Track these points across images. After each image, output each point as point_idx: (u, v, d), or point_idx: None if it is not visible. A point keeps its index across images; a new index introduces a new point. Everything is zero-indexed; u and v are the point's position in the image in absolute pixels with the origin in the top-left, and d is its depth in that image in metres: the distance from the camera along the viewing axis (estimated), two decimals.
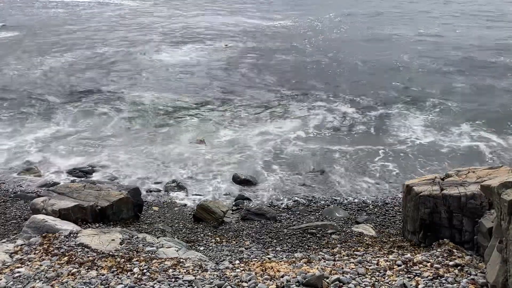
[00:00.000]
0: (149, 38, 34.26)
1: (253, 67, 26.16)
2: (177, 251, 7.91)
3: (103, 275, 6.30)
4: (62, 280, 6.12)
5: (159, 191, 12.92)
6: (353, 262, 6.84)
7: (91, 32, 36.34)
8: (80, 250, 7.43)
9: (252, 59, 28.04)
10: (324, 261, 7.15)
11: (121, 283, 5.99)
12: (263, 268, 6.49)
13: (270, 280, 5.91)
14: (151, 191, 12.84)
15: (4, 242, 8.16)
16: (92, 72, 25.02)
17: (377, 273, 6.22)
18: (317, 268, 6.35)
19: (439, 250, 7.21)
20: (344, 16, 44.45)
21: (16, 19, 43.23)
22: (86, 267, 6.60)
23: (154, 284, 5.99)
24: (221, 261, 7.60)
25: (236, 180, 13.32)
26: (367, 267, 6.49)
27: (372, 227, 10.20)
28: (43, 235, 8.13)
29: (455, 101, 20.14)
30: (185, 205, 12.07)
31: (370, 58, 27.60)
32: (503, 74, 24.18)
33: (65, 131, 17.12)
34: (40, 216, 8.80)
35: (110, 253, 7.42)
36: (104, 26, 39.35)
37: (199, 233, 10.09)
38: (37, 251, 7.38)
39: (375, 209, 11.54)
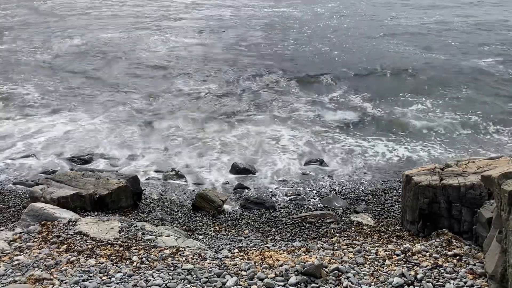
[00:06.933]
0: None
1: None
2: (176, 239, 7.91)
3: (102, 263, 6.30)
4: (61, 268, 6.13)
5: (158, 179, 12.90)
6: (352, 252, 6.84)
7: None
8: (78, 238, 7.42)
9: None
10: (323, 251, 7.15)
11: (120, 271, 5.99)
12: (262, 257, 6.49)
13: (269, 269, 5.92)
14: (150, 179, 12.82)
15: (3, 230, 8.15)
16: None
17: (376, 262, 6.23)
18: (316, 257, 6.35)
19: (438, 240, 7.22)
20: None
21: None
22: (85, 255, 6.60)
23: (153, 272, 5.99)
24: (220, 250, 7.60)
25: (235, 169, 13.29)
26: (366, 256, 6.50)
27: (371, 217, 10.21)
28: (42, 223, 8.11)
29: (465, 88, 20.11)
30: (184, 193, 12.06)
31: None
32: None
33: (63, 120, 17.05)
34: (39, 204, 8.78)
35: (109, 241, 7.42)
36: None
37: (198, 221, 10.09)
38: (36, 239, 7.38)
39: (374, 199, 11.54)
